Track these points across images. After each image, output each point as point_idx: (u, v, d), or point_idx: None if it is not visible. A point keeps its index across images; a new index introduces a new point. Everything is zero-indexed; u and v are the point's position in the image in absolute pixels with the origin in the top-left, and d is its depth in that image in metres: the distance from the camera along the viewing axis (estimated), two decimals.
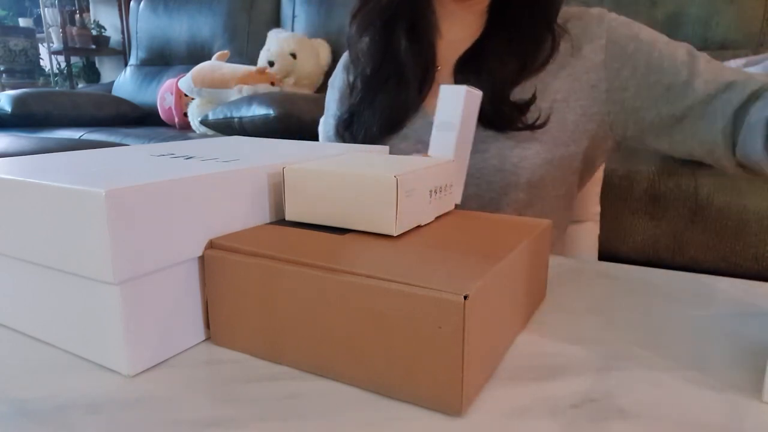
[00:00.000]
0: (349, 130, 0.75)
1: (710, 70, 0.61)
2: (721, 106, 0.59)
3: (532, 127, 0.65)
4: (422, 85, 0.72)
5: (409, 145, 0.71)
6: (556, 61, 0.68)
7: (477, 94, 0.55)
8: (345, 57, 0.84)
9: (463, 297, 0.28)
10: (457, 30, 0.73)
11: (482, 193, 0.67)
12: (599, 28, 0.67)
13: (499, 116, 0.66)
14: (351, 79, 0.78)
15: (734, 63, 1.17)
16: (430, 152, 0.55)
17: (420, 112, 0.71)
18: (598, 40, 0.66)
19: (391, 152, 0.66)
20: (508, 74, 0.68)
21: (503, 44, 0.69)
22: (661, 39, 0.65)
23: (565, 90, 0.67)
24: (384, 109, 0.72)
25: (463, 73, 0.69)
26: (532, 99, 0.66)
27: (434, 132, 0.55)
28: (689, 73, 0.61)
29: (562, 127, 0.67)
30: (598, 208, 0.87)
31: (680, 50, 0.64)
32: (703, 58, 0.63)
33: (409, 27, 0.73)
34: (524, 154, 0.66)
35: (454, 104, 0.54)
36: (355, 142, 0.74)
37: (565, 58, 0.67)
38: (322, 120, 0.88)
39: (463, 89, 0.54)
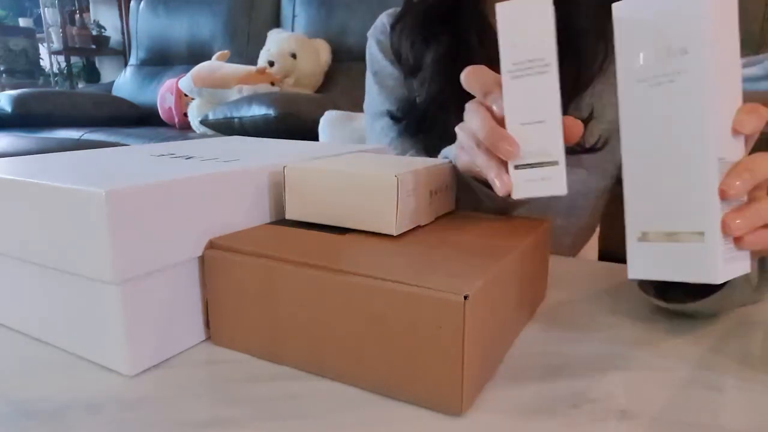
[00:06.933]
0: (424, 133, 0.67)
1: None
2: None
3: (585, 150, 0.59)
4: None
5: None
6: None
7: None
8: (375, 44, 0.74)
9: (463, 297, 0.28)
10: None
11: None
12: None
13: None
14: (406, 92, 0.70)
15: None
16: (507, 111, 0.37)
17: None
18: None
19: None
20: (564, 85, 0.61)
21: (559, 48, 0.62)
22: None
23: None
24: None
25: None
26: (589, 118, 0.59)
27: (508, 80, 0.36)
28: None
29: (611, 158, 0.60)
30: None
31: None
32: None
33: (457, 23, 0.64)
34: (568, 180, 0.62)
35: (537, 29, 0.35)
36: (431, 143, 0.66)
37: None
38: (367, 115, 0.76)
39: None
